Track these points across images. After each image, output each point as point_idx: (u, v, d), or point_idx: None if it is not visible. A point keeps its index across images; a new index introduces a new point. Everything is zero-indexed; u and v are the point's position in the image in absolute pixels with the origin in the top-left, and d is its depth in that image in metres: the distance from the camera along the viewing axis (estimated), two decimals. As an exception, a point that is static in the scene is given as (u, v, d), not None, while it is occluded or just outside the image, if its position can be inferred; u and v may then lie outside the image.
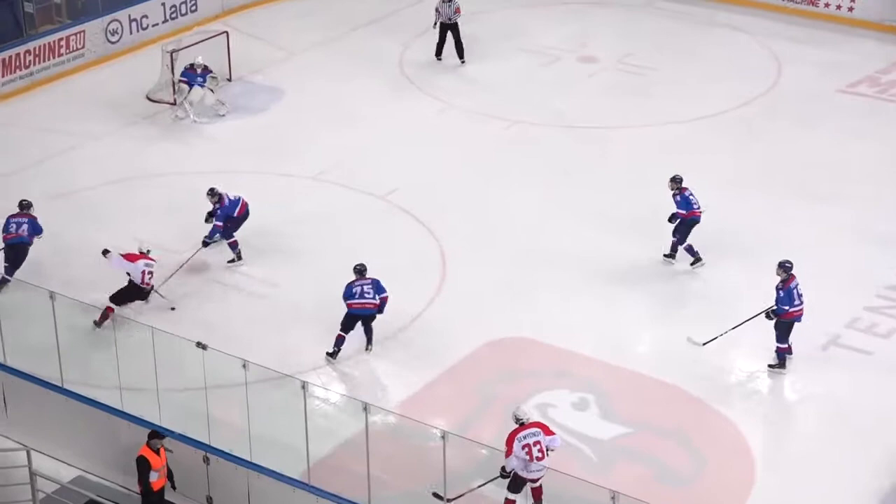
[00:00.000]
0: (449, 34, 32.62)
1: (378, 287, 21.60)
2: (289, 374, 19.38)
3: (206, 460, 18.57)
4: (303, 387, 18.33)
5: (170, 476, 18.33)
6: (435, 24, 32.67)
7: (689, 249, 24.05)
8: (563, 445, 19.25)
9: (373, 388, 21.00)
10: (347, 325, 21.55)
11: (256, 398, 18.89)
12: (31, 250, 23.44)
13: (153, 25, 33.47)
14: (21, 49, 31.13)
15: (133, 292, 22.41)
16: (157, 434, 18.26)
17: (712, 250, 24.20)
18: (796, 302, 20.99)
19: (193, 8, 34.32)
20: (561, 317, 22.83)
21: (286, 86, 31.36)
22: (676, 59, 32.51)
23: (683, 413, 20.61)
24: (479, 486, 18.21)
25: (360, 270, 21.68)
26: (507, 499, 18.29)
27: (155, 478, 18.11)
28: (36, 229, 23.30)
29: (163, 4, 33.77)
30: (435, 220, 25.67)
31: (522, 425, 18.04)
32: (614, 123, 29.37)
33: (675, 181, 23.80)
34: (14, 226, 23.18)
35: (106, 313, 21.89)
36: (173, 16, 33.92)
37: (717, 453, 19.73)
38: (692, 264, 24.08)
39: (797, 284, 20.97)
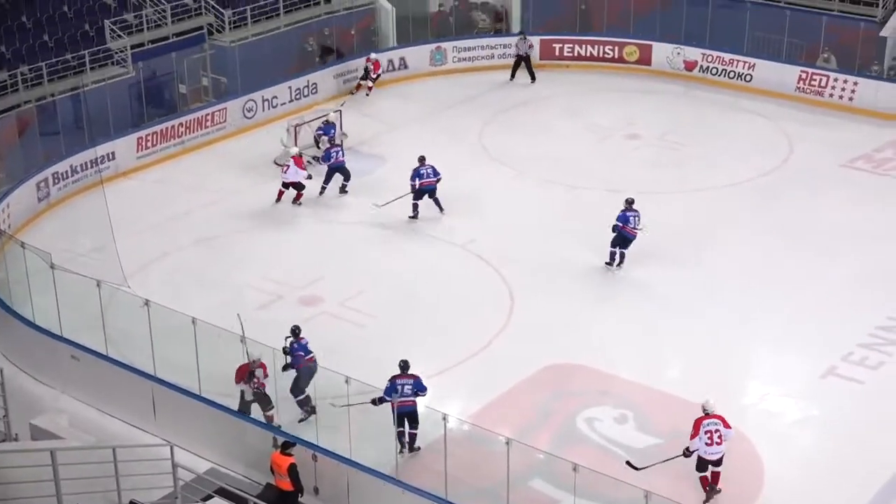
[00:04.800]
0: (523, 64, 35.77)
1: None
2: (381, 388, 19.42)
3: (315, 458, 18.71)
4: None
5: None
6: (515, 55, 35.77)
7: (612, 255, 25.12)
8: (606, 452, 19.22)
9: (451, 402, 20.95)
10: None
11: (355, 407, 19.03)
12: (182, 284, 24.12)
13: (281, 104, 33.77)
14: (175, 122, 31.56)
15: None
16: (288, 444, 18.42)
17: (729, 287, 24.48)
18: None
19: (314, 91, 34.67)
20: (607, 346, 22.79)
21: (387, 154, 31.47)
22: (706, 137, 32.32)
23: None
24: (665, 461, 18.57)
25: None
26: (701, 477, 18.56)
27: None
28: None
29: (289, 87, 34.08)
30: (506, 266, 25.61)
31: (707, 415, 18.20)
32: (653, 189, 29.21)
33: (627, 202, 25.03)
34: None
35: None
36: (297, 97, 34.23)
37: (733, 460, 19.56)
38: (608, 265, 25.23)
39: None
